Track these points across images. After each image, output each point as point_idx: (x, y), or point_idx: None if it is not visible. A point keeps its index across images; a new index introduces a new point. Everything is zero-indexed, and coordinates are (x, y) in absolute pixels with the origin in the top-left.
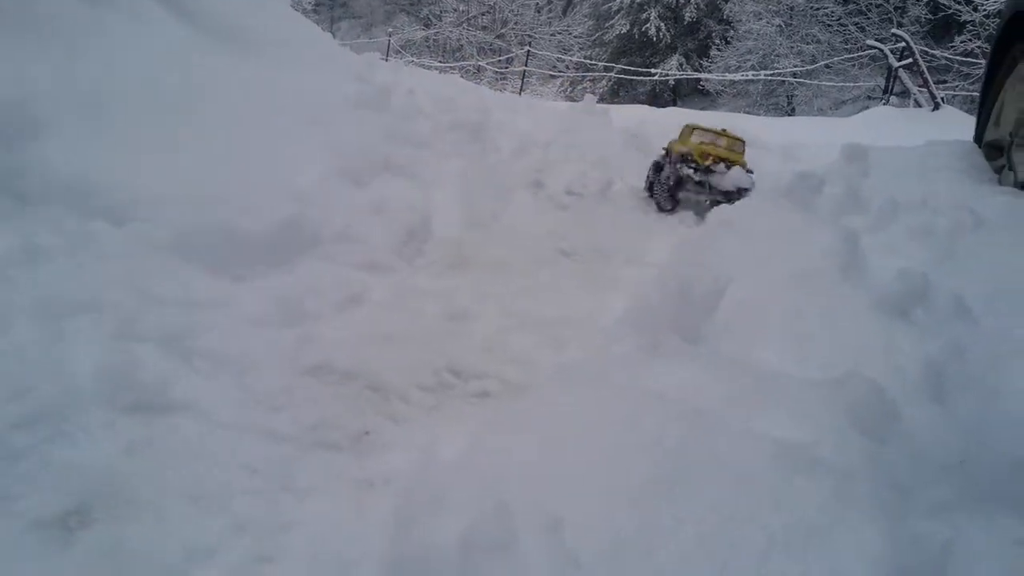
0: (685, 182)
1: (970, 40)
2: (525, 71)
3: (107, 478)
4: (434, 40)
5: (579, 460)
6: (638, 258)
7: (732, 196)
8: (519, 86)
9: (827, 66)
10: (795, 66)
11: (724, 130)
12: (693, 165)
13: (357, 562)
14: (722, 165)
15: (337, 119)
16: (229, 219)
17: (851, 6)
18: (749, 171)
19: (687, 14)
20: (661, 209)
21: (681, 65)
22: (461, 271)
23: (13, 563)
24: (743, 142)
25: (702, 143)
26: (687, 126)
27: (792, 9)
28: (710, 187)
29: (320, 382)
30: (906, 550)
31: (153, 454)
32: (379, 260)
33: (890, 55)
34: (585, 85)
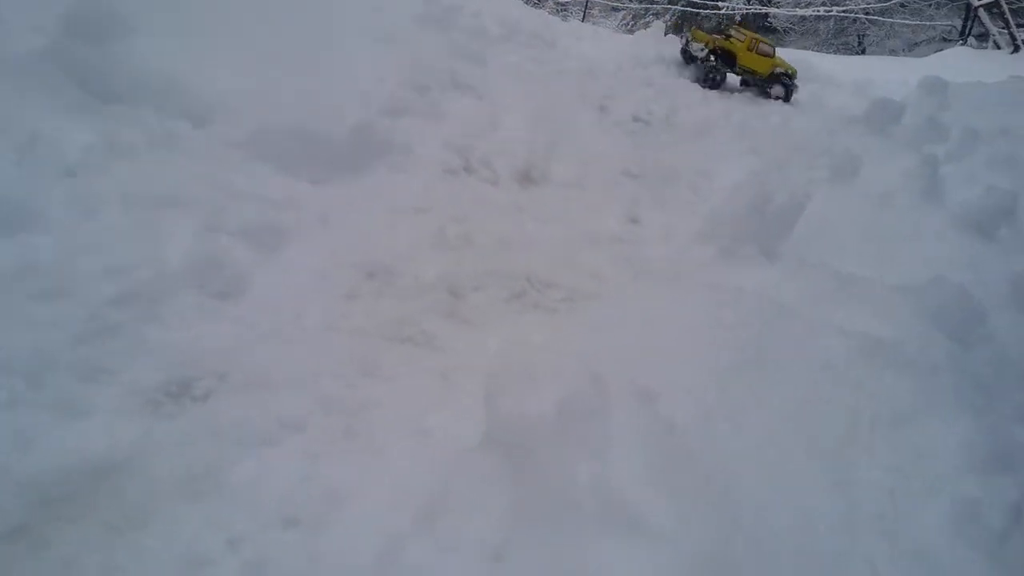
0: None
1: None
2: (588, 2)
3: (200, 358)
4: None
5: (666, 343)
6: (706, 183)
7: None
8: (581, 18)
9: (902, 5)
10: (868, 4)
11: None
12: None
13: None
14: None
15: (405, 35)
16: (303, 122)
17: None
18: None
19: None
20: None
21: (749, 0)
22: (530, 187)
23: (116, 424)
24: None
25: None
26: None
27: None
28: None
29: (392, 285)
30: (993, 440)
31: (243, 339)
32: (448, 172)
33: None
34: (648, 19)
